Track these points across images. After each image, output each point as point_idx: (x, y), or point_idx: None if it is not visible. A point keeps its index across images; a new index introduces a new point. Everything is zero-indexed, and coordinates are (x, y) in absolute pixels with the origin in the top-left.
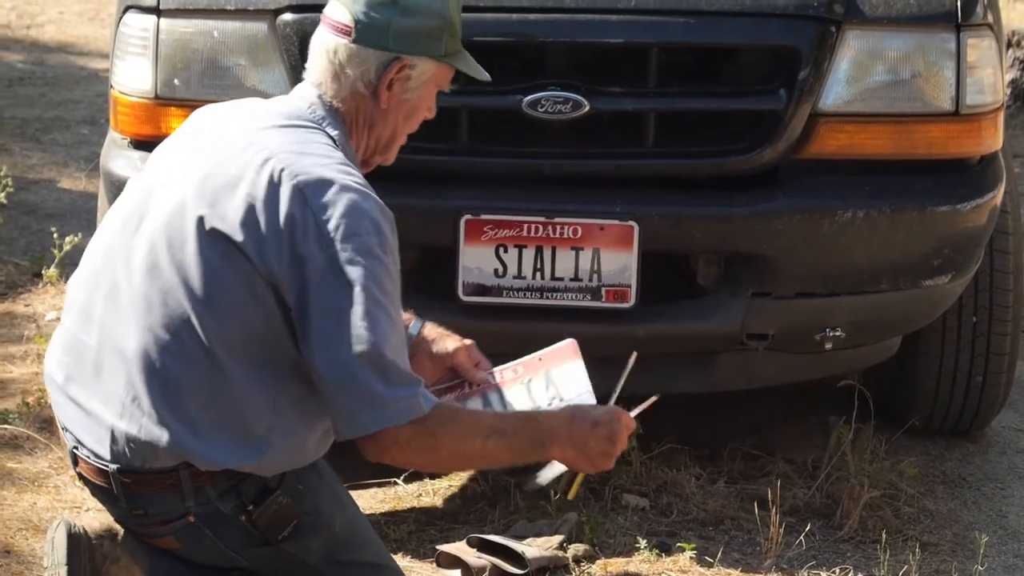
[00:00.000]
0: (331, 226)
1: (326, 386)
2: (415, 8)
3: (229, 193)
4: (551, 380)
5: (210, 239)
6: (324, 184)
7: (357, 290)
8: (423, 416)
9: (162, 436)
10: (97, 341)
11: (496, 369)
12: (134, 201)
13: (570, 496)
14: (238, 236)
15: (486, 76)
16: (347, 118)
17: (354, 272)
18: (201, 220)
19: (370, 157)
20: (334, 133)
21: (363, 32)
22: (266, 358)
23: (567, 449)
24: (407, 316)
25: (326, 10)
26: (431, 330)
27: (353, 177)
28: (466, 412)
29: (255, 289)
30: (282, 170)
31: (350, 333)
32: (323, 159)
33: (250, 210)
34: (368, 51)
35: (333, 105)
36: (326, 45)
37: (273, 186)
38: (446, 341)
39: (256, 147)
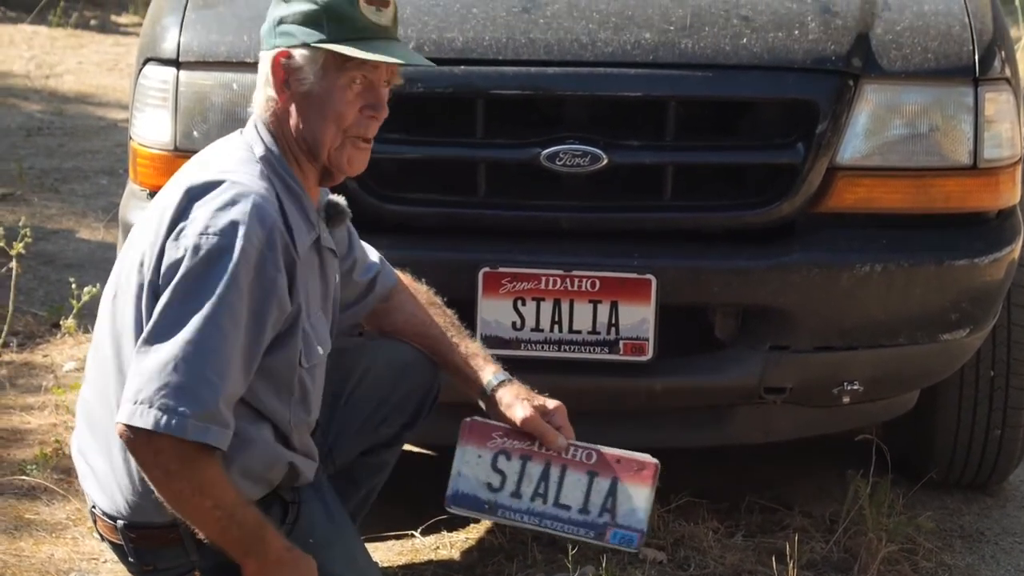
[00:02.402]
0: (199, 226)
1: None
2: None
3: (149, 226)
4: (615, 491)
5: (127, 283)
6: (210, 185)
7: (203, 298)
8: (181, 440)
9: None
10: (95, 399)
11: (573, 443)
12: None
13: None
14: (146, 266)
15: (389, 60)
16: (274, 130)
17: (208, 278)
18: (130, 265)
19: (321, 167)
20: (259, 151)
21: (263, 38)
22: None
23: (257, 573)
24: (493, 369)
25: None
26: (507, 392)
27: (249, 178)
28: (223, 476)
29: None
30: (189, 185)
31: (174, 333)
32: (224, 162)
33: (156, 229)
34: (265, 54)
35: (262, 121)
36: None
37: (178, 202)
38: (515, 408)
39: (175, 179)
